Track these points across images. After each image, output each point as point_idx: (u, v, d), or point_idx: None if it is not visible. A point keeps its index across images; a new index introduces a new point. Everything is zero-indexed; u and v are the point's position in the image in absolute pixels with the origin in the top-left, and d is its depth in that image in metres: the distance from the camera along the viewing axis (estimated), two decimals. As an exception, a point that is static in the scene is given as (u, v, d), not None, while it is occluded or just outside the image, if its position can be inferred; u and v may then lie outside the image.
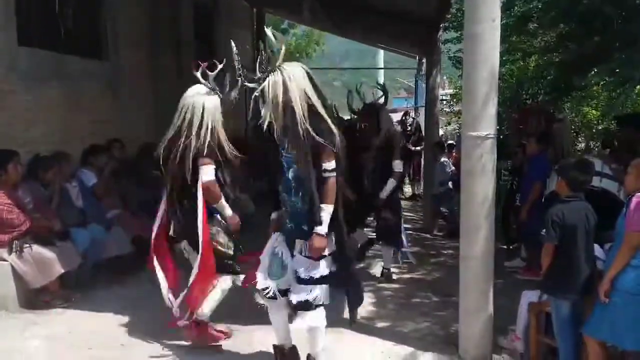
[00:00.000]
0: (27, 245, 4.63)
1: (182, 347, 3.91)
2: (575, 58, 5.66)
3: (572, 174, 3.42)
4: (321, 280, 3.24)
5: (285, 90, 3.12)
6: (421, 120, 11.18)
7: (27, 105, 5.35)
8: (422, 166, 10.43)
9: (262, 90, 3.19)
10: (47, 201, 5.10)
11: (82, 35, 6.48)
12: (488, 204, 3.69)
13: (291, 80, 3.14)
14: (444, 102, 12.86)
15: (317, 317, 3.27)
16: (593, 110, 9.09)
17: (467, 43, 3.75)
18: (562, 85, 6.49)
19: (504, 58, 8.23)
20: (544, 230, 3.43)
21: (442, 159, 8.34)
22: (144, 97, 7.31)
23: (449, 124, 13.89)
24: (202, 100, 3.79)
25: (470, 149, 3.69)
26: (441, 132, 12.50)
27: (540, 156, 5.65)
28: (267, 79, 3.18)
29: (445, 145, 9.15)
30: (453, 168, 8.02)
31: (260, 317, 3.56)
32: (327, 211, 3.14)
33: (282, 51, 3.22)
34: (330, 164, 3.14)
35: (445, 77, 14.07)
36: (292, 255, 3.30)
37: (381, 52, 18.47)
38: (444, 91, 14.29)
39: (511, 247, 6.48)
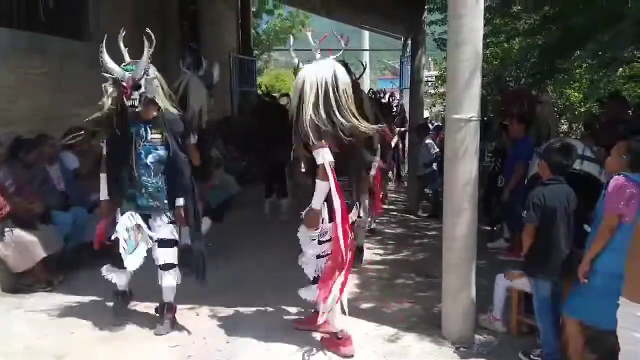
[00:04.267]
0: (9, 229, 4.59)
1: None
2: (558, 41, 5.67)
3: (554, 157, 3.46)
4: (175, 242, 3.93)
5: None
6: (406, 102, 11.19)
7: (8, 85, 5.25)
8: (406, 148, 10.46)
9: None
10: (28, 184, 5.03)
11: (64, 15, 6.35)
12: (471, 186, 3.72)
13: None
14: (429, 83, 12.87)
15: (177, 274, 3.95)
16: (575, 93, 9.15)
17: (450, 25, 3.74)
18: (545, 67, 6.51)
19: (488, 40, 8.24)
20: (525, 211, 3.48)
21: (427, 141, 8.36)
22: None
23: (434, 105, 13.93)
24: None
25: (454, 131, 3.71)
26: (426, 113, 12.55)
27: (524, 138, 5.69)
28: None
29: (432, 126, 9.17)
30: (437, 150, 8.05)
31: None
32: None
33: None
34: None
35: (430, 59, 14.06)
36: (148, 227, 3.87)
37: (367, 33, 18.40)
38: (429, 73, 14.31)
39: (494, 228, 6.55)
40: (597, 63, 6.12)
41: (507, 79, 8.82)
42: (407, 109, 10.67)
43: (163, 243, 3.89)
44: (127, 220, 3.79)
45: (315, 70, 3.42)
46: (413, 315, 4.30)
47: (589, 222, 3.42)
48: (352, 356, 3.61)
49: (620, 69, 7.20)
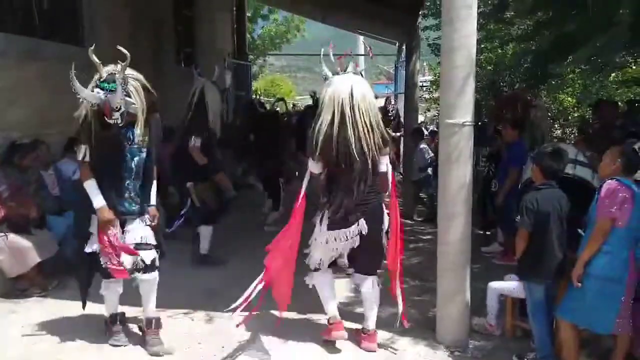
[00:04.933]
0: (3, 234, 4.58)
1: (169, 333, 3.92)
2: (552, 46, 5.72)
3: (546, 161, 3.49)
4: (154, 246, 3.82)
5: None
6: (401, 106, 11.22)
7: (4, 90, 5.25)
8: (401, 152, 10.48)
9: None
10: (23, 189, 5.02)
11: (58, 20, 6.35)
12: (465, 191, 3.74)
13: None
14: (424, 88, 12.91)
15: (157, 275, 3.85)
16: (569, 98, 9.21)
17: (444, 31, 3.77)
18: (539, 73, 6.56)
19: (482, 45, 8.29)
20: (519, 216, 3.50)
21: (422, 145, 8.39)
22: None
23: (429, 110, 13.95)
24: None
25: (448, 136, 3.73)
26: (421, 118, 12.58)
27: (518, 143, 5.72)
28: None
29: (428, 131, 9.19)
30: (432, 154, 8.08)
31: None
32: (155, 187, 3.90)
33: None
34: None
35: (425, 64, 14.11)
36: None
37: (361, 38, 18.45)
38: (424, 78, 14.36)
39: (488, 232, 6.57)
40: (590, 68, 6.17)
41: (501, 84, 8.86)
42: (401, 113, 10.70)
43: (143, 247, 3.74)
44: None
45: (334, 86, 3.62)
46: (408, 320, 4.29)
47: (583, 227, 3.45)
48: (342, 339, 3.81)
49: (613, 74, 7.26)
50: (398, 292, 3.78)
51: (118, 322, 3.91)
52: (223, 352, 3.76)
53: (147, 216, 3.81)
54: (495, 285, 4.03)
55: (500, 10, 6.98)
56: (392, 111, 11.52)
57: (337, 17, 11.75)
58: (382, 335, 3.99)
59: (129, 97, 3.52)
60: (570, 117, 9.40)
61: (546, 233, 3.40)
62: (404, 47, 10.91)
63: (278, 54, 24.15)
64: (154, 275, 3.81)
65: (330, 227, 3.68)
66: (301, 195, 3.69)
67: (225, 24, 12.62)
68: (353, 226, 3.65)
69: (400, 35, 10.80)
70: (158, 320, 3.89)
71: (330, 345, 3.83)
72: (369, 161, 3.54)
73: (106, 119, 3.47)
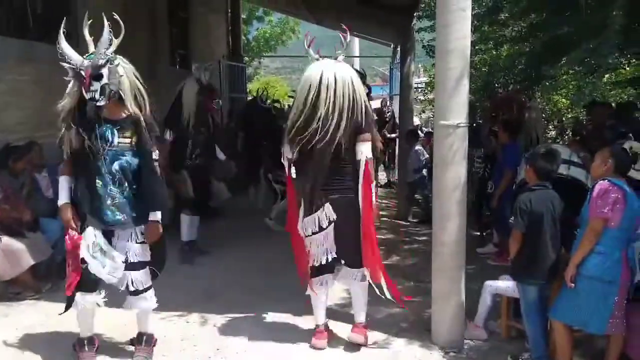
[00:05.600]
0: (-4, 236, 4.56)
1: (164, 334, 3.90)
2: (545, 48, 5.74)
3: (540, 163, 3.50)
4: (147, 263, 3.45)
5: None
6: (396, 108, 11.24)
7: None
8: (396, 154, 10.50)
9: None
10: (17, 192, 5.00)
11: (53, 22, 6.33)
12: (460, 192, 3.74)
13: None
14: (419, 90, 12.92)
15: (153, 297, 3.54)
16: (563, 99, 9.23)
17: (439, 32, 3.78)
18: (533, 74, 6.58)
19: (476, 47, 8.30)
20: (512, 217, 3.51)
21: (417, 147, 8.41)
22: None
23: (424, 111, 13.97)
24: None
25: (442, 137, 3.74)
26: (416, 120, 12.60)
27: (512, 144, 5.73)
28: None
29: (423, 132, 9.20)
30: (427, 156, 8.09)
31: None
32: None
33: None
34: (156, 154, 3.41)
35: (420, 66, 14.13)
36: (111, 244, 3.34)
37: (356, 39, 18.46)
38: (419, 79, 14.38)
39: (483, 233, 6.59)
40: (584, 69, 6.18)
41: (496, 85, 8.88)
42: (397, 115, 10.72)
43: (133, 266, 3.38)
44: (91, 236, 3.26)
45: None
46: (403, 320, 4.31)
47: (576, 227, 3.47)
48: (320, 349, 3.77)
49: (607, 75, 7.29)
50: (383, 282, 3.76)
51: (86, 348, 3.51)
52: (218, 355, 3.76)
53: (138, 229, 3.38)
54: (491, 282, 4.03)
55: (495, 12, 7.01)
56: (387, 113, 11.55)
57: (331, 19, 11.77)
58: (378, 336, 4.00)
59: (115, 74, 3.17)
60: (564, 119, 9.42)
61: (540, 234, 3.41)
62: (398, 48, 10.92)
63: (273, 56, 24.16)
64: (145, 297, 3.46)
65: (305, 214, 3.71)
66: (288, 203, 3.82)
67: (220, 26, 12.63)
68: (318, 211, 3.63)
69: (395, 36, 10.83)
70: (150, 337, 3.64)
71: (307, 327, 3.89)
72: (334, 145, 3.50)
73: (84, 92, 3.10)
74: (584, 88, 7.52)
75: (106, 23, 3.19)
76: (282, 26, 20.80)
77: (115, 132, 3.27)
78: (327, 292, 3.91)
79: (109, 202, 3.29)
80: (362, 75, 4.18)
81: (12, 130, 5.33)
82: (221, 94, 11.83)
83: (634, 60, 6.72)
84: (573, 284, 3.22)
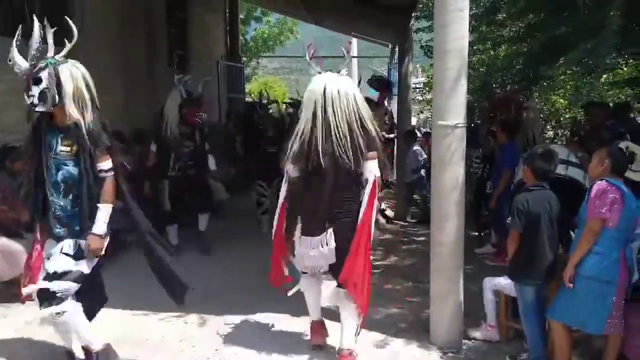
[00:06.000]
0: (-5, 237, 4.55)
1: (162, 336, 3.90)
2: (543, 48, 5.75)
3: (537, 163, 3.51)
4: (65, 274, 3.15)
5: None
6: (394, 108, 11.23)
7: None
8: (395, 154, 10.50)
9: None
10: (15, 192, 4.99)
11: (50, 23, 6.32)
12: (458, 192, 3.75)
13: None
14: (417, 90, 12.93)
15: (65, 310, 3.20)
16: (561, 99, 9.24)
17: (436, 33, 3.79)
18: (530, 74, 6.60)
19: (474, 47, 8.30)
20: (510, 218, 3.52)
21: (415, 147, 8.42)
22: (115, 85, 7.19)
23: (422, 112, 13.99)
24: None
25: (440, 138, 3.74)
26: (414, 120, 12.61)
27: (511, 144, 5.74)
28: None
29: (422, 132, 9.20)
30: (425, 156, 8.10)
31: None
32: (104, 211, 3.19)
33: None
34: (106, 164, 3.19)
35: (418, 66, 14.14)
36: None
37: (354, 40, 18.48)
38: (417, 79, 14.39)
39: (482, 233, 6.59)
40: (581, 70, 6.19)
41: (494, 85, 8.89)
42: (395, 115, 10.71)
43: (53, 276, 3.12)
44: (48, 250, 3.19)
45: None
46: (401, 321, 4.32)
47: (574, 228, 3.47)
48: (317, 345, 3.80)
49: (605, 75, 7.29)
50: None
51: None
52: (216, 355, 3.75)
53: (68, 242, 3.16)
54: (490, 279, 4.02)
55: (492, 13, 7.02)
56: (385, 113, 11.53)
57: (330, 20, 11.77)
58: (376, 336, 4.00)
59: (59, 79, 3.04)
60: (562, 119, 9.43)
61: (537, 234, 3.42)
62: (396, 49, 10.92)
63: (271, 56, 24.15)
64: (60, 310, 3.14)
65: (303, 233, 3.54)
66: (280, 206, 3.70)
67: (218, 26, 12.62)
68: (320, 236, 3.42)
69: (393, 37, 10.82)
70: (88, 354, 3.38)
71: (318, 349, 3.83)
72: (341, 165, 3.34)
73: (25, 97, 2.99)
74: (581, 88, 7.53)
75: (49, 28, 3.19)
76: (280, 26, 20.80)
77: (59, 139, 3.13)
78: (319, 286, 3.77)
79: (51, 212, 3.18)
80: (385, 82, 4.11)
81: (12, 130, 5.31)
82: (220, 95, 11.88)
83: (631, 60, 6.73)
84: (571, 284, 3.23)
